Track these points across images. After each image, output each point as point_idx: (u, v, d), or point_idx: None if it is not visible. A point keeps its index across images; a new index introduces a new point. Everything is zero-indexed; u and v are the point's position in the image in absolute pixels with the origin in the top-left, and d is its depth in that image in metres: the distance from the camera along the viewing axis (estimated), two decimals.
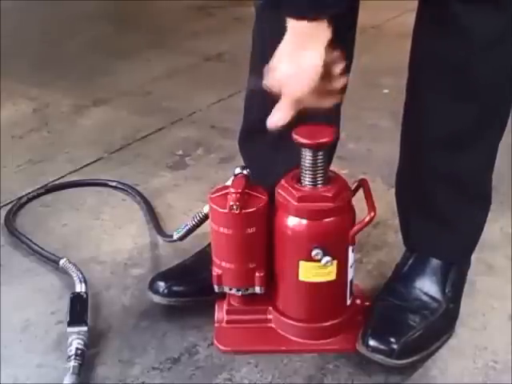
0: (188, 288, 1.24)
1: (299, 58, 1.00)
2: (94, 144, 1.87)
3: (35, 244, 1.42)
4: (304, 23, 0.99)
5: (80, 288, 1.26)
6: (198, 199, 1.53)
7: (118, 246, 1.45)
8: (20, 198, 1.59)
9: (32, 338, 1.22)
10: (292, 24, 1.00)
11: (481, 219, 1.24)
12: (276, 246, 1.14)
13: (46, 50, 2.56)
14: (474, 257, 1.31)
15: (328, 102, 1.07)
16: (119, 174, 1.71)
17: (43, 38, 2.68)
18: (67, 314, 1.18)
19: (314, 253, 1.08)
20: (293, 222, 1.10)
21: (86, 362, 1.13)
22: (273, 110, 1.04)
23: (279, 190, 1.11)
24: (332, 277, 1.12)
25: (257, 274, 1.14)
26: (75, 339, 1.14)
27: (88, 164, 1.77)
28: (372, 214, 1.10)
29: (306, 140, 1.07)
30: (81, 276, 1.29)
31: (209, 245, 1.21)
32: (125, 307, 1.28)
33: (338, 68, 1.05)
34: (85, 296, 1.24)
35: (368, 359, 1.12)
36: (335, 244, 1.10)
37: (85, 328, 1.16)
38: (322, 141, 1.07)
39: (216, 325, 1.20)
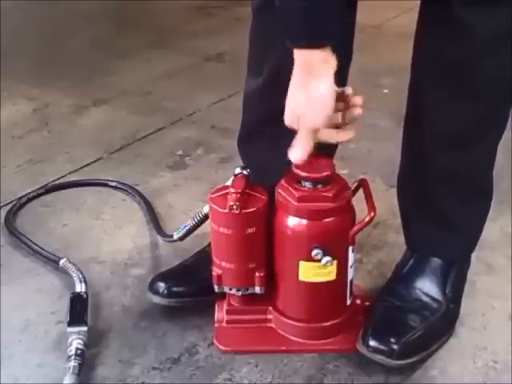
0: (188, 288, 1.24)
1: (309, 87, 1.01)
2: (93, 144, 1.87)
3: (35, 244, 1.42)
4: (307, 52, 0.99)
5: (80, 288, 1.26)
6: (198, 199, 1.53)
7: (118, 246, 1.45)
8: (20, 198, 1.59)
9: (32, 338, 1.22)
10: (296, 54, 1.00)
11: (482, 218, 1.24)
12: (276, 246, 1.14)
13: (45, 50, 2.56)
14: (474, 257, 1.31)
15: (343, 136, 1.08)
16: (119, 173, 1.71)
17: (43, 38, 2.68)
18: (67, 314, 1.18)
19: (314, 253, 1.08)
20: (293, 222, 1.10)
21: (86, 362, 1.13)
22: (292, 145, 1.05)
23: (279, 190, 1.12)
24: (332, 277, 1.12)
25: (257, 274, 1.14)
26: (75, 339, 1.14)
27: (88, 164, 1.77)
28: (372, 213, 1.10)
29: (306, 173, 1.09)
30: (81, 276, 1.29)
31: (209, 245, 1.21)
32: (125, 307, 1.28)
33: (352, 101, 1.06)
34: (85, 296, 1.24)
35: (368, 359, 1.12)
36: (335, 244, 1.10)
37: (85, 328, 1.16)
38: (323, 175, 1.09)
39: (216, 325, 1.20)
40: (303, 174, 1.09)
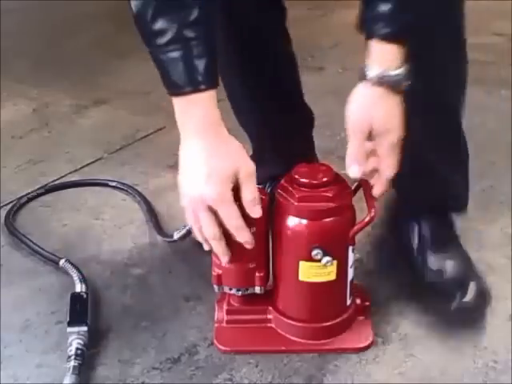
0: None
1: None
2: (93, 144, 1.87)
3: (35, 244, 1.42)
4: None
5: (80, 288, 1.27)
6: None
7: (118, 246, 1.45)
8: (20, 198, 1.59)
9: (32, 338, 1.22)
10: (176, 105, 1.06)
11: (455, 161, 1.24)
12: (276, 246, 1.14)
13: (46, 50, 2.56)
14: (474, 257, 1.31)
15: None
16: (119, 173, 1.71)
17: (43, 38, 2.68)
18: (67, 314, 1.18)
19: (314, 253, 1.08)
20: (293, 222, 1.10)
21: (86, 362, 1.13)
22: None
23: (279, 190, 1.12)
24: (332, 277, 1.12)
25: (257, 274, 1.14)
26: (75, 339, 1.14)
27: (88, 164, 1.77)
28: (372, 213, 1.10)
29: (305, 179, 1.10)
30: (81, 276, 1.29)
31: None
32: (125, 307, 1.28)
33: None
34: (85, 296, 1.24)
35: (367, 359, 1.13)
36: (335, 244, 1.10)
37: (85, 328, 1.16)
38: (322, 181, 1.10)
39: (216, 325, 1.20)
40: (302, 180, 1.10)
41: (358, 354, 1.15)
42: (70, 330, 1.16)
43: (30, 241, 1.43)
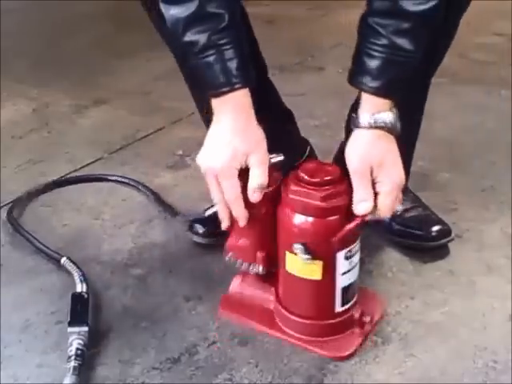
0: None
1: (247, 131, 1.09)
2: (93, 144, 1.87)
3: (38, 241, 1.42)
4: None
5: (81, 288, 1.26)
6: (199, 199, 1.53)
7: (118, 246, 1.45)
8: (28, 192, 1.60)
9: (32, 338, 1.22)
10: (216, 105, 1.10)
11: None
12: (276, 233, 1.15)
13: (45, 50, 2.56)
14: (474, 257, 1.31)
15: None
16: (119, 174, 1.70)
17: (43, 38, 2.69)
18: (68, 314, 1.18)
19: (295, 246, 1.09)
20: (283, 212, 1.12)
21: (86, 362, 1.13)
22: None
23: (285, 180, 1.13)
24: (316, 276, 1.12)
25: (258, 254, 1.16)
26: (75, 339, 1.14)
27: (88, 164, 1.77)
28: (358, 221, 1.09)
29: (305, 176, 1.10)
30: (81, 275, 1.29)
31: None
32: (125, 307, 1.28)
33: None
34: (86, 296, 1.24)
35: (367, 359, 1.13)
36: (320, 244, 1.10)
37: (85, 328, 1.16)
38: (327, 179, 1.10)
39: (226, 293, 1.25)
40: (302, 175, 1.11)
41: (359, 354, 1.15)
42: (70, 330, 1.15)
43: (33, 237, 1.43)
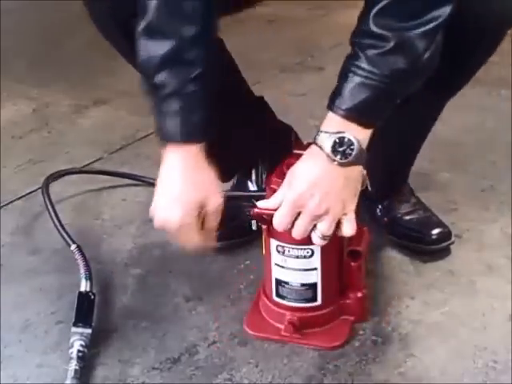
0: (234, 231, 1.35)
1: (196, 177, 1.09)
2: (93, 144, 1.87)
3: (59, 221, 1.42)
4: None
5: (85, 286, 1.23)
6: None
7: (118, 246, 1.45)
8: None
9: (32, 338, 1.22)
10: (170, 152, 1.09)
11: None
12: None
13: (45, 50, 2.56)
14: (474, 257, 1.31)
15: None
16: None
17: (43, 37, 2.68)
18: (74, 313, 1.17)
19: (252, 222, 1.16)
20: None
21: (86, 362, 1.13)
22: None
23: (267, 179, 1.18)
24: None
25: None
26: (77, 340, 1.13)
27: (88, 164, 1.77)
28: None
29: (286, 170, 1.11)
30: (87, 271, 1.26)
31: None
32: (125, 307, 1.28)
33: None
34: (92, 297, 1.22)
35: (367, 359, 1.13)
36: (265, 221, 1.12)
37: (89, 330, 1.15)
38: None
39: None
40: (283, 169, 1.12)
41: (359, 354, 1.15)
42: (74, 330, 1.15)
43: (55, 214, 1.44)
